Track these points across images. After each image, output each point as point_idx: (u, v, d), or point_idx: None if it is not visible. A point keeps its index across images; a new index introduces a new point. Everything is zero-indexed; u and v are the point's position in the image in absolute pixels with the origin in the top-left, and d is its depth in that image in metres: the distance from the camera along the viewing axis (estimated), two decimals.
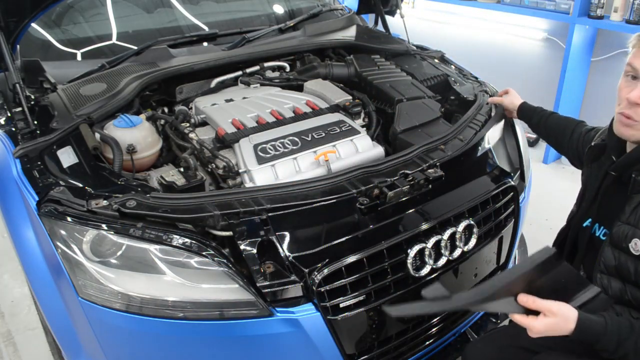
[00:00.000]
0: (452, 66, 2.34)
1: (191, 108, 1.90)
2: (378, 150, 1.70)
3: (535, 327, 1.11)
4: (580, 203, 1.48)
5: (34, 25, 2.04)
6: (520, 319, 1.12)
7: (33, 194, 1.38)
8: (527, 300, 1.11)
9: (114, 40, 2.17)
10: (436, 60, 2.34)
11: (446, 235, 1.45)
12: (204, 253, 1.27)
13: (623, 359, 1.14)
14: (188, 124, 1.79)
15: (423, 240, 1.42)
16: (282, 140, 1.63)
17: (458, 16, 4.45)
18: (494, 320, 1.86)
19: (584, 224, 1.41)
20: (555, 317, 1.10)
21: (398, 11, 2.64)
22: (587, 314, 1.14)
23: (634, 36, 1.23)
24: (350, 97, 1.96)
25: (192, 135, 1.72)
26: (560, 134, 1.68)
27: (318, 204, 1.38)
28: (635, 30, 3.13)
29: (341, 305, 1.32)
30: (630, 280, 1.22)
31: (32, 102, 1.74)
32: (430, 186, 1.51)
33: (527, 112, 1.81)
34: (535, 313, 1.12)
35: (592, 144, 1.47)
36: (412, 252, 1.39)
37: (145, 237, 1.27)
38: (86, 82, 1.83)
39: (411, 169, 1.51)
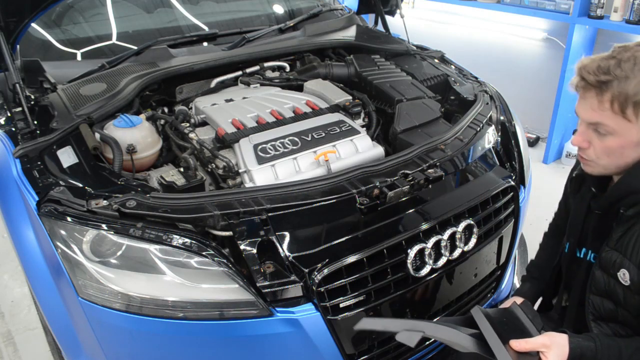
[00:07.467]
0: (452, 66, 2.33)
1: (191, 108, 1.89)
2: (378, 150, 1.70)
3: None
4: (565, 226, 1.47)
5: (34, 25, 2.04)
6: None
7: (33, 194, 1.38)
8: (519, 343, 1.13)
9: (114, 40, 2.17)
10: (436, 60, 2.33)
11: (446, 235, 1.45)
12: (204, 253, 1.27)
13: None
14: (188, 124, 1.79)
15: (423, 240, 1.42)
16: (282, 140, 1.62)
17: (458, 16, 4.44)
18: None
19: (566, 250, 1.41)
20: (552, 349, 1.13)
21: (398, 11, 2.63)
22: (576, 337, 1.16)
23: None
24: (350, 97, 1.96)
25: (192, 135, 1.72)
26: None
27: (318, 204, 1.38)
28: (635, 30, 3.13)
29: (341, 305, 1.32)
30: (620, 304, 1.23)
31: (32, 102, 1.74)
32: (430, 186, 1.51)
33: None
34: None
35: (574, 174, 1.43)
36: (412, 252, 1.39)
37: (145, 237, 1.27)
38: (86, 82, 1.83)
39: (411, 169, 1.51)
